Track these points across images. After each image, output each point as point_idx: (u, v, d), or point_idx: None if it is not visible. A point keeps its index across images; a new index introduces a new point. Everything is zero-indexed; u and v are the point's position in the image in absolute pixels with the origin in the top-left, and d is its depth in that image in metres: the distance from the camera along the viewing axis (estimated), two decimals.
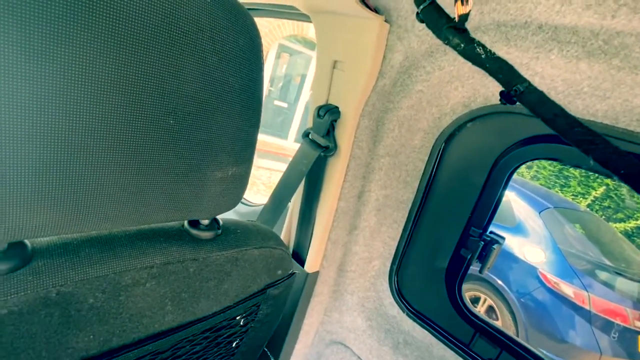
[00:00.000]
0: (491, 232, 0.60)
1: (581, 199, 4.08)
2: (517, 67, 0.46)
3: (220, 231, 0.41)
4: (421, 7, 0.33)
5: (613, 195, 3.92)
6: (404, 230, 0.73)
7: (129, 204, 0.30)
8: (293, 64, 6.52)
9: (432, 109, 0.61)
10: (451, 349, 0.67)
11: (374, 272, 0.79)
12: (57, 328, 0.29)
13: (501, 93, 0.30)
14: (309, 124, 0.68)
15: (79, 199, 0.27)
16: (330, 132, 0.65)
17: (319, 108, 0.65)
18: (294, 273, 0.54)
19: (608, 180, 3.99)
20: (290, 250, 0.82)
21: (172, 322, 0.39)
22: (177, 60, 0.27)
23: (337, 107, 0.64)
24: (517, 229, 2.91)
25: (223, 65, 0.30)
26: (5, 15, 0.21)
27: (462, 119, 0.59)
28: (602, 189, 3.96)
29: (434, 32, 0.33)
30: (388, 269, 0.78)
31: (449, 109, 0.59)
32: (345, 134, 0.65)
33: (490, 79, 0.51)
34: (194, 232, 0.39)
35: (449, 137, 0.63)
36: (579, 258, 2.71)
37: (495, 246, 0.58)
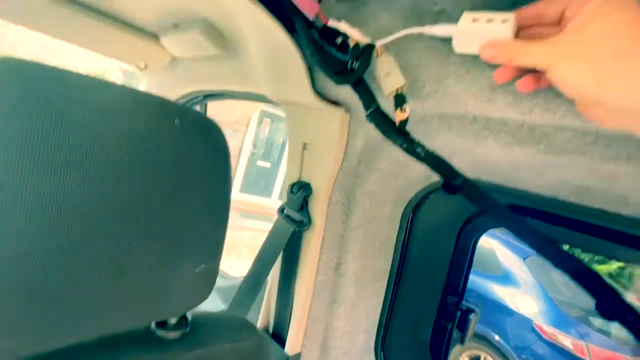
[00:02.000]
0: (466, 300, 0.61)
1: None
2: (461, 150, 0.51)
3: (188, 329, 0.40)
4: (368, 111, 0.38)
5: None
6: (385, 300, 0.73)
7: (94, 315, 0.29)
8: (275, 128, 6.85)
9: (397, 181, 0.65)
10: None
11: (359, 348, 0.76)
12: None
13: (442, 185, 0.33)
14: (283, 200, 0.71)
15: (44, 317, 0.27)
16: (304, 207, 0.68)
17: (292, 185, 0.68)
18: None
19: None
20: (270, 330, 0.79)
21: None
22: (144, 178, 0.30)
23: (309, 184, 0.67)
24: (505, 278, 2.90)
25: (191, 176, 0.33)
26: None
27: (425, 190, 0.64)
28: None
29: (380, 132, 0.37)
30: (373, 343, 0.75)
31: (412, 181, 0.64)
32: (318, 209, 0.67)
33: None
34: (161, 332, 0.38)
35: (416, 206, 0.66)
36: (570, 306, 2.68)
37: (471, 315, 0.58)
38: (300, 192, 0.67)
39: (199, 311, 0.44)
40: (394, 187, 0.66)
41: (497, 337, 2.69)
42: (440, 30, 0.35)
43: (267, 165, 6.84)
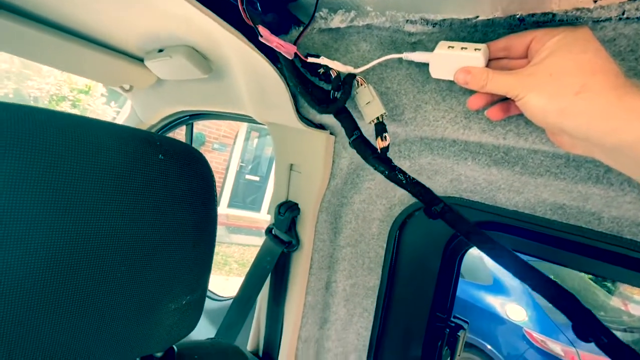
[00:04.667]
0: (455, 317, 0.61)
1: None
2: (443, 169, 0.53)
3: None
4: (351, 139, 0.39)
5: None
6: (375, 318, 0.73)
7: (81, 352, 0.29)
8: (263, 142, 6.84)
9: (383, 200, 0.66)
10: None
11: None
12: None
13: (424, 210, 0.35)
14: (271, 221, 0.71)
15: (31, 354, 0.26)
16: (292, 228, 0.68)
17: (280, 206, 0.68)
18: None
19: None
20: (261, 352, 0.77)
21: None
22: (130, 211, 0.30)
23: (296, 204, 0.68)
24: (495, 287, 2.92)
25: (176, 208, 0.33)
26: None
27: (410, 208, 0.65)
28: None
29: (363, 159, 0.38)
30: None
31: (397, 200, 0.65)
32: (306, 229, 0.68)
33: None
34: None
35: (402, 224, 0.67)
36: (558, 312, 2.71)
37: (460, 332, 0.59)
38: (288, 212, 0.67)
39: (185, 341, 0.44)
40: (379, 206, 0.67)
41: (489, 346, 2.69)
42: (417, 56, 0.36)
43: (256, 179, 6.80)
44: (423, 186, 0.35)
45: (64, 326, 0.27)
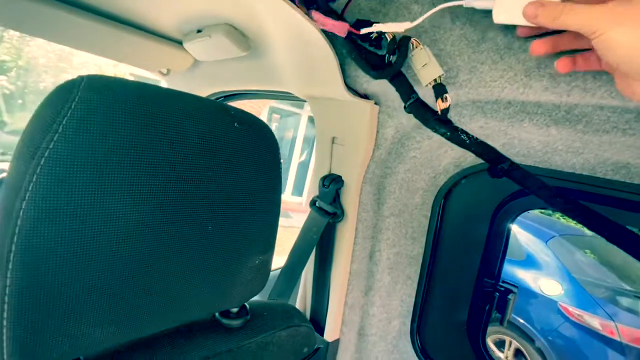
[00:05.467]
0: (504, 282, 0.62)
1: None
2: (495, 133, 0.52)
3: (249, 316, 0.43)
4: (408, 103, 0.39)
5: None
6: (419, 285, 0.74)
7: (171, 307, 0.32)
8: (284, 123, 6.86)
9: (427, 170, 0.66)
10: None
11: (394, 333, 0.78)
12: None
13: (488, 169, 0.35)
14: (315, 193, 0.73)
15: (130, 311, 0.29)
16: (336, 199, 0.70)
17: (324, 178, 0.70)
18: (319, 348, 0.54)
19: None
20: (308, 318, 0.82)
21: None
22: (214, 175, 0.32)
23: (340, 177, 0.69)
24: (528, 261, 2.86)
25: (251, 174, 0.35)
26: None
27: (455, 177, 0.65)
28: None
29: (422, 122, 0.39)
30: (409, 328, 0.77)
31: (442, 169, 0.65)
32: (350, 200, 0.69)
33: None
34: (226, 322, 0.41)
35: (447, 193, 0.67)
36: (597, 286, 2.63)
37: (510, 296, 0.59)
38: (332, 185, 0.68)
39: (254, 300, 0.47)
40: (424, 175, 0.67)
41: (521, 321, 2.67)
42: (480, 2, 0.34)
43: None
44: (488, 145, 0.35)
45: (162, 274, 0.30)
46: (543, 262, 2.79)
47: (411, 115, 0.58)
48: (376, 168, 0.67)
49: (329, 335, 0.74)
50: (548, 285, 2.65)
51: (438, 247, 0.70)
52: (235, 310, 0.42)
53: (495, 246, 0.61)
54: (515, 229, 3.08)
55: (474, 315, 0.66)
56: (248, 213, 0.36)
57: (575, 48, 0.34)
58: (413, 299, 0.76)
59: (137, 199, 0.28)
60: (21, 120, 3.18)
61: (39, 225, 0.24)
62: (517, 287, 0.61)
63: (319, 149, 0.72)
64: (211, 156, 0.31)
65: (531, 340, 2.61)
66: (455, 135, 0.35)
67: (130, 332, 0.30)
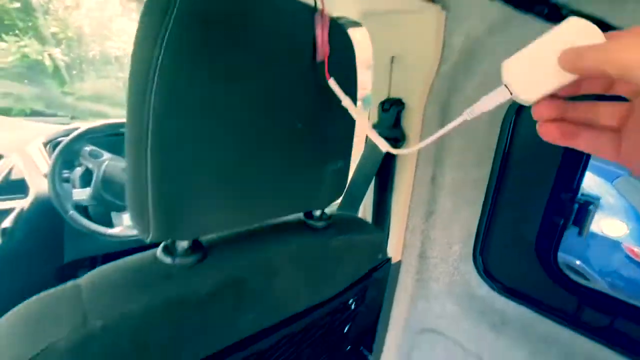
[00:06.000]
0: (582, 194, 0.59)
1: None
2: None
3: (331, 220, 0.46)
4: None
5: None
6: (483, 208, 0.74)
7: (270, 200, 0.35)
8: None
9: (498, 84, 0.62)
10: (556, 322, 0.65)
11: (456, 256, 0.79)
12: (230, 309, 0.35)
13: None
14: (374, 119, 0.72)
15: (241, 199, 0.33)
16: (397, 124, 0.69)
17: (383, 103, 0.69)
18: (389, 259, 0.57)
19: None
20: None
21: (302, 306, 0.44)
22: (302, 76, 0.33)
23: (400, 99, 0.67)
24: None
25: (332, 75, 0.35)
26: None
27: None
28: None
29: (513, 7, 0.35)
30: (471, 250, 0.78)
31: None
32: (412, 124, 0.67)
33: None
34: (311, 222, 0.44)
35: (519, 108, 0.63)
36: None
37: (591, 207, 0.56)
38: (393, 108, 0.67)
39: (330, 211, 0.50)
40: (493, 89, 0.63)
41: (578, 262, 2.58)
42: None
43: None
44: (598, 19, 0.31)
45: (264, 166, 0.33)
46: (606, 202, 2.59)
47: (483, 20, 0.53)
48: (441, 86, 0.63)
49: (391, 256, 0.77)
50: (611, 225, 2.49)
51: (507, 166, 0.68)
52: (318, 213, 0.45)
53: (575, 157, 0.57)
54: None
55: (544, 232, 0.65)
56: (331, 115, 0.37)
57: (587, 120, 0.25)
58: (476, 223, 0.75)
59: (246, 92, 0.29)
60: (81, 90, 3.44)
61: (168, 110, 0.26)
62: (599, 197, 0.57)
63: (377, 71, 0.70)
64: (299, 59, 0.32)
65: (586, 281, 2.53)
66: (554, 10, 0.32)
67: (239, 219, 0.34)
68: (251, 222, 0.36)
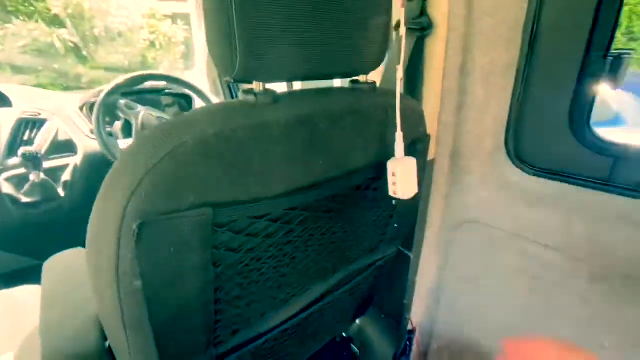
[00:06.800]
0: (616, 50, 0.59)
1: None
2: None
3: (375, 85, 0.50)
4: None
5: None
6: (514, 94, 0.75)
7: (327, 57, 0.40)
8: None
9: None
10: (589, 187, 0.68)
11: (489, 147, 0.82)
12: (301, 150, 0.40)
13: None
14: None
15: (303, 52, 0.37)
16: (423, 12, 0.69)
17: None
18: (429, 134, 0.61)
19: None
20: None
21: (355, 164, 0.49)
22: None
23: None
24: (615, 121, 2.59)
25: None
26: None
27: None
28: None
29: None
30: (503, 140, 0.80)
31: None
32: (439, 9, 0.68)
33: None
34: (358, 85, 0.48)
35: None
36: None
37: (624, 57, 0.57)
38: None
39: None
40: None
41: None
42: None
43: None
44: None
45: (320, 24, 0.38)
46: (634, 118, 2.50)
47: None
48: None
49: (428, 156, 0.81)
50: (637, 139, 2.42)
51: (537, 40, 0.68)
52: (363, 79, 0.49)
53: (611, 8, 0.57)
54: (605, 89, 2.73)
55: (578, 100, 0.67)
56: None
57: None
58: (507, 112, 0.77)
59: None
60: (92, 71, 3.52)
61: None
62: (632, 51, 0.58)
63: None
64: None
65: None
66: None
67: (301, 71, 0.39)
68: (310, 76, 0.40)
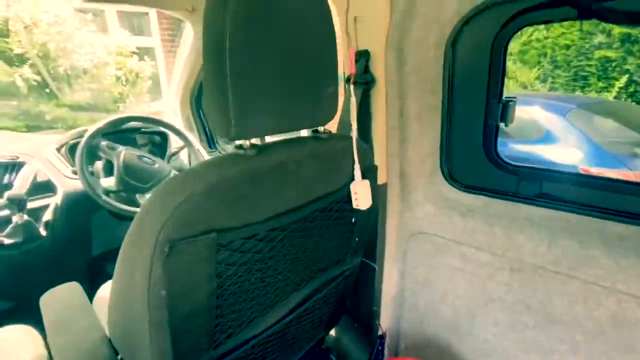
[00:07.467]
0: (506, 98, 0.81)
1: (606, 93, 4.03)
2: None
3: (330, 132, 0.66)
4: None
5: (638, 79, 3.85)
6: (442, 126, 0.95)
7: (295, 112, 0.56)
8: None
9: (436, 25, 0.83)
10: (503, 199, 0.89)
11: (428, 169, 1.01)
12: (279, 185, 0.55)
13: None
14: (350, 71, 0.92)
15: (282, 108, 0.53)
16: (367, 70, 0.89)
17: (355, 55, 0.88)
18: (377, 165, 0.78)
19: (627, 66, 3.92)
20: None
21: (318, 192, 0.64)
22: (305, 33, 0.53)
23: (367, 50, 0.87)
24: (547, 138, 3.00)
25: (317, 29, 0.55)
26: None
27: (458, 25, 0.81)
28: (624, 78, 3.90)
29: None
30: (438, 163, 1.00)
31: (447, 20, 0.81)
32: (378, 68, 0.88)
33: None
34: (318, 135, 0.64)
35: (453, 42, 0.84)
36: (617, 144, 2.77)
37: (510, 103, 0.79)
38: (362, 58, 0.87)
39: None
40: (433, 30, 0.83)
41: None
42: None
43: None
44: None
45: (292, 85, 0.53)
46: (562, 135, 2.92)
47: None
48: (395, 32, 0.83)
49: (379, 180, 0.99)
50: (567, 154, 2.82)
51: (453, 92, 0.89)
52: (321, 129, 0.65)
53: (497, 67, 0.80)
54: (534, 111, 3.16)
55: (486, 134, 0.88)
56: (319, 51, 0.56)
57: None
58: (439, 141, 0.97)
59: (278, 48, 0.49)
60: (57, 109, 3.48)
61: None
62: (516, 97, 0.80)
63: (343, 30, 0.89)
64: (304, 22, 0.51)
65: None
66: None
67: (277, 127, 0.54)
68: (283, 130, 0.55)
